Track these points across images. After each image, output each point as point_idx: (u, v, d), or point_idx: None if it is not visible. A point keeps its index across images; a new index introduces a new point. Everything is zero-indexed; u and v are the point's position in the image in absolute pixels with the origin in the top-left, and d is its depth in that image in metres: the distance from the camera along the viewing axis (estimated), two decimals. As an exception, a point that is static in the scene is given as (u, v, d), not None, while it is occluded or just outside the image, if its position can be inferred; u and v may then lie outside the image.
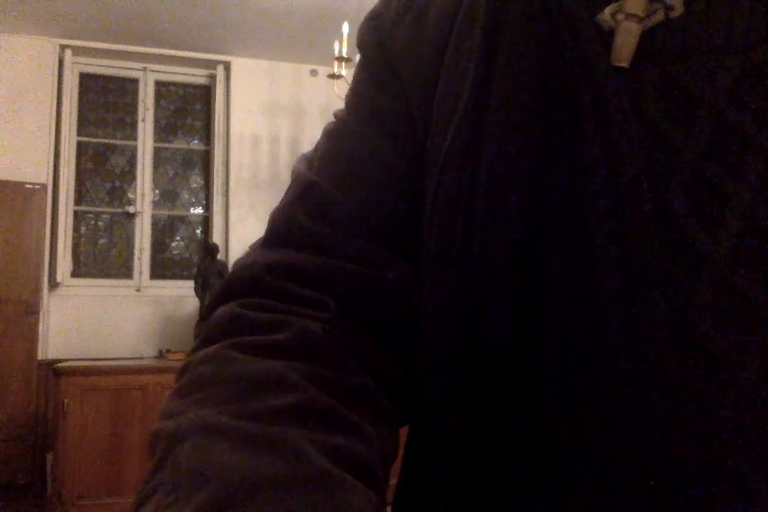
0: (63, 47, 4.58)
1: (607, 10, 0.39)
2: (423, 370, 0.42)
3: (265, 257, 0.43)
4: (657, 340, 0.34)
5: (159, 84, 4.92)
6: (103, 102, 4.84)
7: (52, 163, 4.48)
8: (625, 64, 0.37)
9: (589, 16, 0.39)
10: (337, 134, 0.50)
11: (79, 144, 4.72)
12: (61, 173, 4.49)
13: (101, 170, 4.79)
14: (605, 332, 0.34)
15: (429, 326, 0.42)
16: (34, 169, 4.41)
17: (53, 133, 4.50)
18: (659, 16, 0.38)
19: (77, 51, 4.63)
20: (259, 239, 0.47)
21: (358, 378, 0.39)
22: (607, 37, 0.38)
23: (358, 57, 0.56)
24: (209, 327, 0.41)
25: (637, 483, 0.33)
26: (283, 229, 0.45)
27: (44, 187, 4.41)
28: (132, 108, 4.86)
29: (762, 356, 0.32)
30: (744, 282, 0.33)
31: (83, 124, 4.75)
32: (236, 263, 0.45)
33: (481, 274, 0.38)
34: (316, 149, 0.51)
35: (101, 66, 4.79)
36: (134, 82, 4.87)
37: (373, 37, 0.51)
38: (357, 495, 0.30)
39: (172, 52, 4.73)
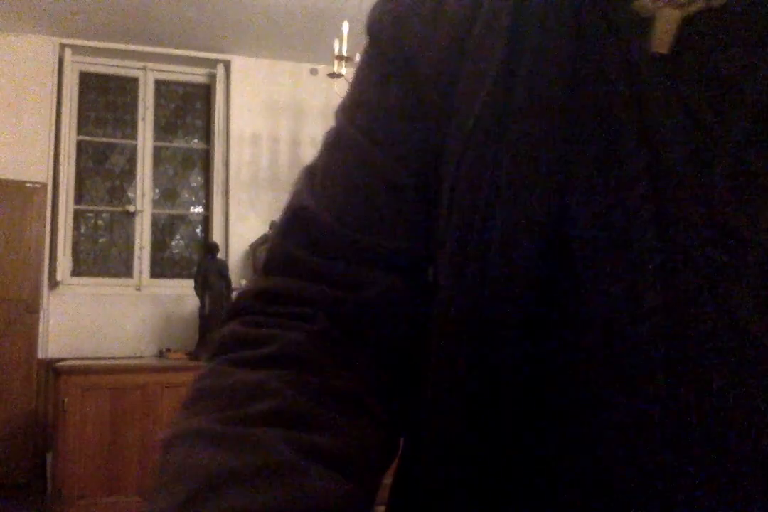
0: (63, 46, 4.57)
1: None
2: (434, 378, 0.42)
3: (261, 283, 0.46)
4: (699, 324, 0.33)
5: (159, 83, 4.91)
6: (103, 101, 4.83)
7: (52, 162, 4.48)
8: (664, 51, 0.37)
9: (625, 2, 0.38)
10: (336, 147, 0.49)
11: (79, 143, 4.72)
12: (61, 172, 4.48)
13: (101, 169, 4.79)
14: (647, 313, 0.34)
15: (443, 331, 0.42)
16: (34, 168, 4.41)
17: (53, 131, 4.50)
18: (700, 3, 0.37)
19: (77, 50, 4.62)
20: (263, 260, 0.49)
21: (341, 381, 0.41)
22: (644, 24, 0.38)
23: (358, 56, 0.54)
24: (214, 345, 0.44)
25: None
26: (276, 258, 0.47)
27: (44, 186, 4.41)
28: (132, 107, 4.86)
29: None
30: None
31: (83, 123, 4.75)
32: (240, 290, 0.48)
33: (502, 262, 0.38)
34: (316, 161, 0.50)
35: (101, 65, 4.78)
36: (134, 81, 4.87)
37: (388, 21, 0.49)
38: (322, 481, 0.33)
39: (172, 51, 4.73)
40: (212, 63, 4.87)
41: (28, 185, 4.36)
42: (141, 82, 4.87)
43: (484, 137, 0.40)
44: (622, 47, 0.38)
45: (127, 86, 4.86)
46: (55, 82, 4.54)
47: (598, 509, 0.34)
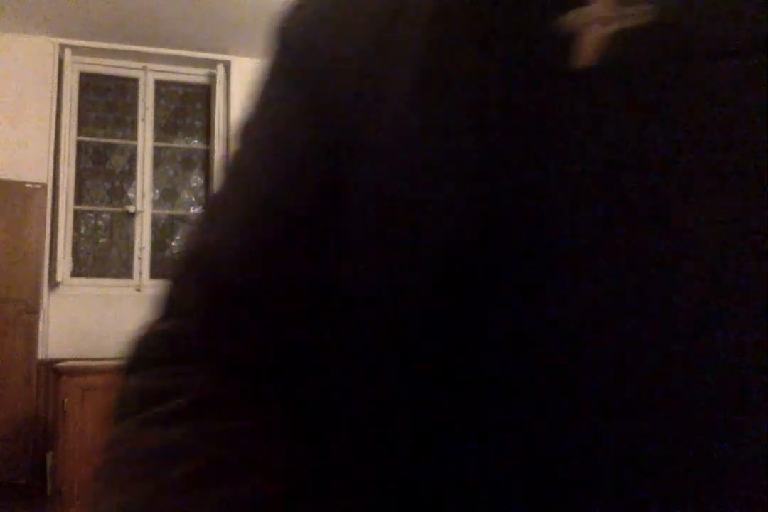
0: (63, 47, 4.58)
1: (572, 13, 0.38)
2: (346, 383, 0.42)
3: (161, 327, 0.44)
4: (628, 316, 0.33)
5: (159, 83, 4.91)
6: (103, 101, 4.84)
7: (52, 163, 4.48)
8: (587, 66, 0.37)
9: (548, 19, 0.38)
10: (235, 175, 0.47)
11: (79, 143, 4.72)
12: (61, 172, 4.48)
13: (101, 169, 4.79)
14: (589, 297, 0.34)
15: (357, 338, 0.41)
16: (34, 169, 4.41)
17: (53, 132, 4.50)
18: (626, 21, 0.37)
19: (77, 50, 4.63)
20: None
21: (256, 421, 0.39)
22: (567, 40, 0.37)
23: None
24: (119, 404, 0.42)
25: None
26: (175, 298, 0.45)
27: (44, 186, 4.41)
28: (132, 107, 4.86)
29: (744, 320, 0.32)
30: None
31: (83, 123, 4.75)
32: (138, 334, 0.45)
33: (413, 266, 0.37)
34: (217, 190, 0.48)
35: (101, 65, 4.79)
36: (134, 81, 4.87)
37: (299, 30, 0.47)
38: None
39: (172, 52, 4.73)
40: (212, 63, 4.87)
41: (27, 186, 4.36)
42: (141, 83, 4.87)
43: (397, 146, 0.40)
44: (545, 61, 0.38)
45: (127, 87, 4.87)
46: (55, 82, 4.54)
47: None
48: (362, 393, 0.40)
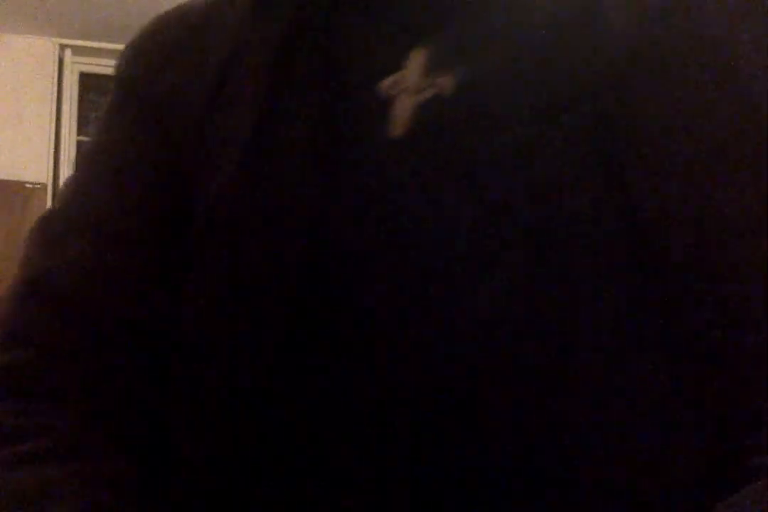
0: (63, 47, 4.57)
1: (386, 82, 0.40)
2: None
3: (4, 361, 0.43)
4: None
5: (159, 83, 4.91)
6: (103, 102, 4.80)
7: (51, 163, 4.47)
8: (400, 135, 0.39)
9: (371, 84, 0.41)
10: (72, 198, 0.47)
11: (79, 143, 4.72)
12: (61, 172, 4.48)
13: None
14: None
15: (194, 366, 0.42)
16: (33, 169, 4.41)
17: (53, 132, 4.50)
18: (431, 91, 0.39)
19: (77, 51, 4.62)
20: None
21: (113, 462, 0.40)
22: (384, 106, 0.40)
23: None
24: None
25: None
26: (15, 329, 0.44)
27: (44, 186, 4.41)
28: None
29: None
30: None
31: (83, 123, 4.74)
32: None
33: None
34: (52, 211, 0.48)
35: (101, 65, 4.78)
36: (134, 81, 4.86)
37: (140, 69, 0.49)
38: None
39: (172, 52, 4.73)
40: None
41: (27, 185, 4.36)
42: (141, 83, 4.87)
43: (228, 210, 0.41)
44: (364, 129, 0.40)
45: (127, 87, 4.86)
46: (55, 82, 4.54)
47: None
48: (195, 431, 0.40)
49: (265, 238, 0.39)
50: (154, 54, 0.48)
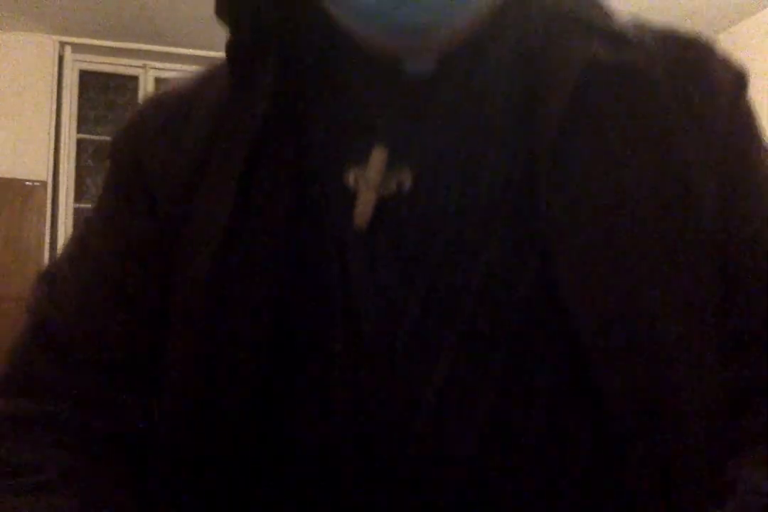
0: (63, 44, 4.57)
1: (350, 175, 0.43)
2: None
3: (6, 408, 0.46)
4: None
5: (159, 81, 4.91)
6: (103, 99, 4.83)
7: (52, 161, 4.48)
8: (361, 228, 0.42)
9: (338, 175, 0.43)
10: (77, 259, 0.50)
11: (79, 141, 4.72)
12: (61, 170, 4.49)
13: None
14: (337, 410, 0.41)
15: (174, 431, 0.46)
16: (33, 167, 4.41)
17: (53, 130, 4.50)
18: (393, 186, 0.42)
19: (77, 48, 4.62)
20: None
21: (114, 496, 0.43)
22: (350, 199, 0.42)
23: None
24: None
25: None
26: (20, 376, 0.47)
27: (44, 184, 4.41)
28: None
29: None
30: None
31: (83, 121, 4.75)
32: None
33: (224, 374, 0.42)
34: (55, 266, 0.52)
35: (101, 63, 4.78)
36: (134, 79, 4.87)
37: (130, 149, 0.51)
38: None
39: (172, 50, 4.73)
40: (212, 61, 4.86)
41: (27, 183, 4.36)
42: (141, 81, 4.87)
43: (205, 292, 0.44)
44: (329, 221, 0.43)
45: (128, 85, 4.86)
46: (55, 80, 4.54)
47: None
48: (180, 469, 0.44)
49: (232, 323, 0.42)
50: (140, 140, 0.51)
